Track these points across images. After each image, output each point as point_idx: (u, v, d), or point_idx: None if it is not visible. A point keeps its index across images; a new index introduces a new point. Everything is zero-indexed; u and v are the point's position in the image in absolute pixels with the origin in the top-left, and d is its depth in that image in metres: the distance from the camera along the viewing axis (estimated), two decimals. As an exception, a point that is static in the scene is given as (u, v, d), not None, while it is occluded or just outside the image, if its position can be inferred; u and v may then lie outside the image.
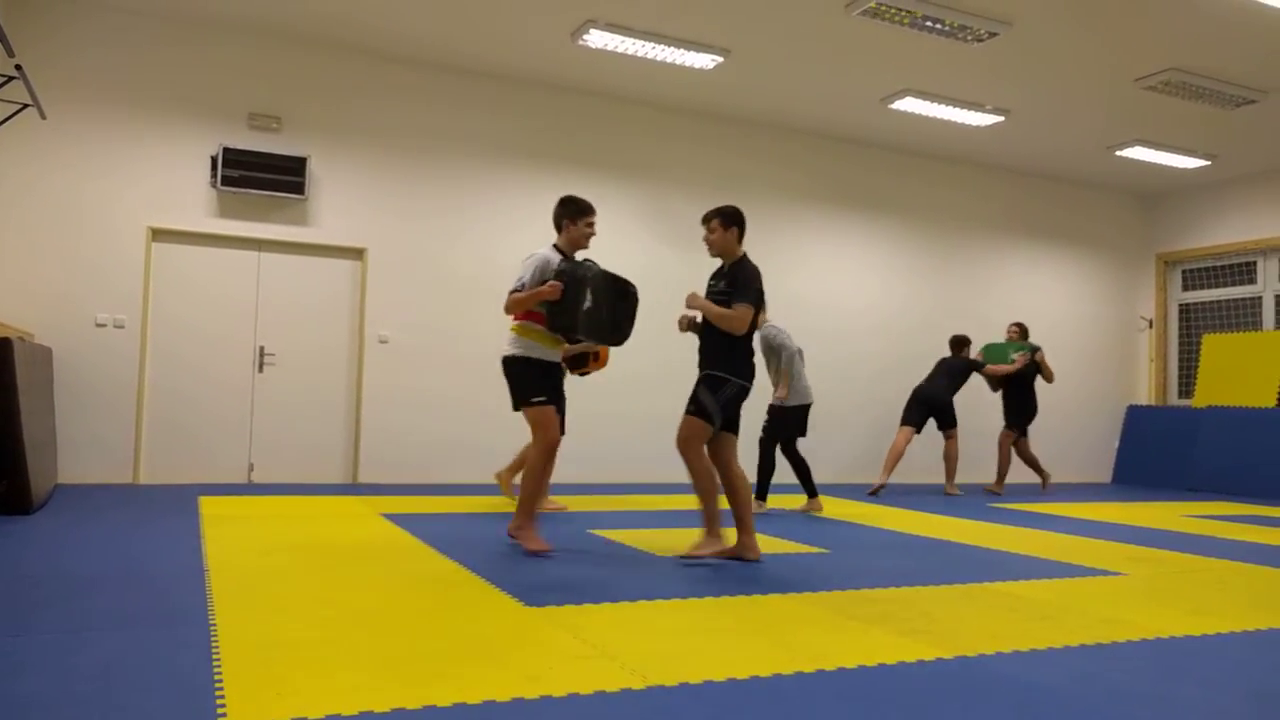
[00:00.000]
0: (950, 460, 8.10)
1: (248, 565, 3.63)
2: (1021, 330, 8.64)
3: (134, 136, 6.64)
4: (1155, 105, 7.84)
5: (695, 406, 4.09)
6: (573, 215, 4.35)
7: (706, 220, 4.33)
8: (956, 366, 8.18)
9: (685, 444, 4.10)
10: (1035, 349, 8.37)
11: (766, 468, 6.17)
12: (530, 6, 6.37)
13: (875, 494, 7.62)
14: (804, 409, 6.22)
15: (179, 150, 6.74)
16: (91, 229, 6.52)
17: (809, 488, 6.29)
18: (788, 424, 6.20)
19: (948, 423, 8.05)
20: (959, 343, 8.31)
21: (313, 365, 7.16)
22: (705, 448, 4.11)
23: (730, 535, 4.16)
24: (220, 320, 6.90)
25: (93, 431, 6.46)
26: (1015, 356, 8.31)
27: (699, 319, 4.26)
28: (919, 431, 8.02)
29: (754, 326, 4.16)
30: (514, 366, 4.20)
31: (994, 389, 8.55)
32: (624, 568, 3.85)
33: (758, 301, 4.14)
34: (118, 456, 6.53)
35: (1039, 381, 8.49)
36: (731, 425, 4.17)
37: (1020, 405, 8.43)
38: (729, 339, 4.11)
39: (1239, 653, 2.79)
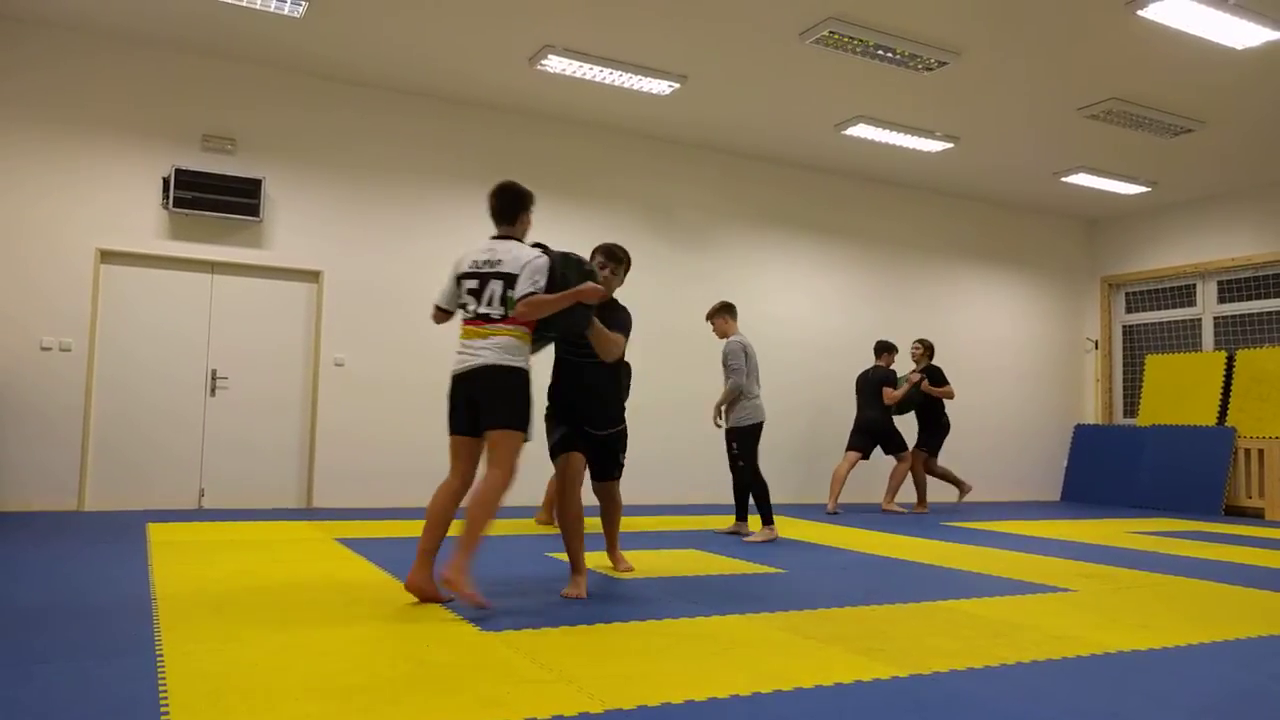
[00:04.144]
0: (894, 479, 8.11)
1: (197, 594, 3.55)
2: (925, 347, 8.40)
3: (83, 156, 6.53)
4: (1098, 133, 8.09)
5: (619, 471, 4.16)
6: (532, 206, 3.81)
7: (613, 260, 4.00)
8: (874, 381, 8.09)
9: (616, 493, 4.28)
10: (917, 381, 8.11)
11: (762, 489, 5.81)
12: (488, 31, 6.40)
13: (833, 514, 7.69)
14: (760, 427, 5.94)
15: (130, 171, 6.64)
16: (38, 250, 6.39)
17: (743, 510, 6.04)
18: (749, 443, 5.90)
19: (896, 447, 8.09)
20: (879, 349, 8.21)
21: (267, 389, 7.06)
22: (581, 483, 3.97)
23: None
24: (171, 343, 6.78)
25: (36, 457, 6.30)
26: (900, 388, 8.10)
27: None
28: (865, 457, 8.08)
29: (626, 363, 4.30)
30: (520, 381, 3.53)
31: (897, 412, 8.30)
32: (582, 591, 3.83)
33: (626, 335, 3.90)
34: (62, 482, 6.37)
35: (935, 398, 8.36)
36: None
37: (932, 425, 8.31)
38: (625, 380, 4.30)
39: (1186, 667, 2.86)
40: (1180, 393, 9.87)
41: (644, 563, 4.65)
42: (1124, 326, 10.99)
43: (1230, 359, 9.57)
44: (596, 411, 3.99)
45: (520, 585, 3.94)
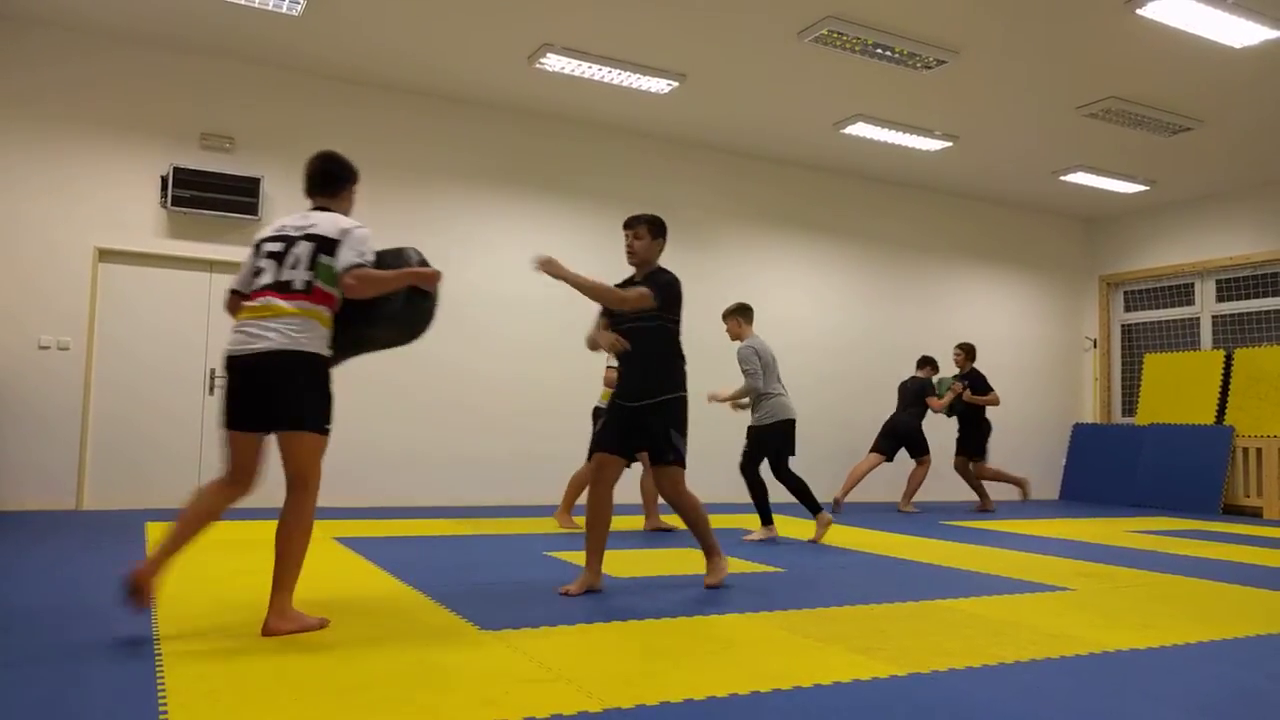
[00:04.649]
0: (913, 480, 8.16)
1: (195, 593, 3.55)
2: (966, 352, 8.55)
3: (81, 154, 6.52)
4: (1096, 132, 8.09)
5: (675, 456, 3.80)
6: (355, 182, 3.29)
7: (632, 226, 3.90)
8: (913, 389, 8.27)
9: (677, 493, 3.85)
10: (960, 391, 8.24)
11: (759, 490, 5.78)
12: (488, 29, 6.39)
13: (835, 509, 7.69)
14: (784, 425, 5.83)
15: (128, 169, 6.63)
16: (35, 249, 6.38)
17: (814, 505, 5.86)
18: (766, 443, 5.82)
19: (919, 450, 8.11)
20: (920, 363, 8.44)
21: (264, 387, 7.04)
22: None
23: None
24: (169, 342, 6.77)
25: (35, 456, 6.29)
26: (945, 393, 8.25)
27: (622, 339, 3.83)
28: (889, 460, 8.10)
29: (673, 329, 3.84)
30: (319, 370, 2.98)
31: (948, 414, 8.51)
32: (581, 590, 3.83)
33: (667, 300, 3.78)
34: (61, 482, 6.36)
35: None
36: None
37: (971, 428, 8.45)
38: (673, 353, 3.83)
39: (1184, 666, 2.86)
40: (1179, 392, 9.87)
41: (643, 562, 4.65)
42: (1122, 325, 10.99)
43: (1228, 358, 9.57)
44: (630, 383, 3.81)
45: (519, 585, 3.93)
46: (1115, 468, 9.99)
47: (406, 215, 7.55)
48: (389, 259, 3.09)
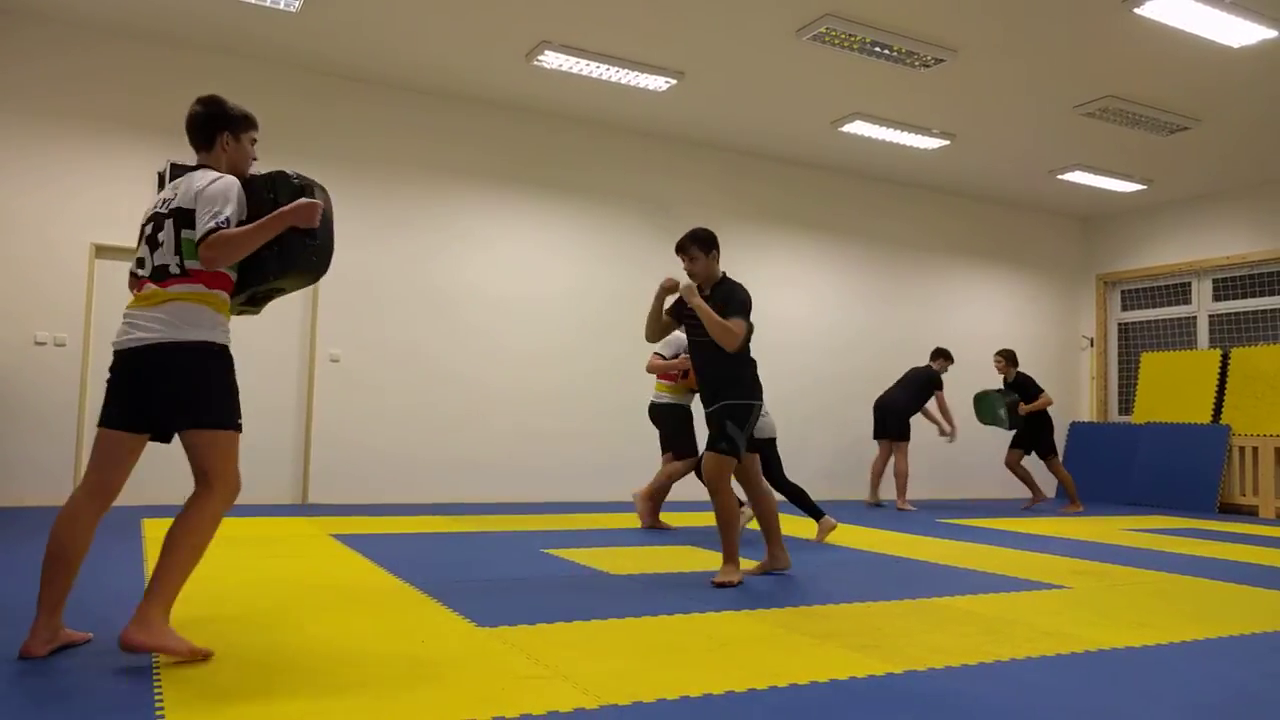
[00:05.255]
0: (900, 476, 8.18)
1: (191, 590, 3.54)
2: (1007, 358, 8.50)
3: (78, 150, 6.50)
4: (1094, 131, 8.10)
5: (727, 445, 3.96)
6: (239, 128, 2.97)
7: (684, 249, 4.09)
8: (917, 378, 8.25)
9: (717, 482, 3.97)
10: (1014, 398, 8.25)
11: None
12: (485, 27, 6.38)
13: (878, 505, 7.69)
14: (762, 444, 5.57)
15: (125, 165, 6.62)
16: (32, 245, 6.36)
17: (811, 511, 5.80)
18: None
19: (900, 434, 8.14)
20: (934, 354, 8.42)
21: (262, 384, 7.04)
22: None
23: (745, 563, 4.36)
24: (165, 338, 6.75)
25: (30, 452, 6.28)
26: (1003, 413, 8.22)
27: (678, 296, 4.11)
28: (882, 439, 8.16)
29: (749, 341, 4.07)
30: (211, 362, 2.65)
31: (1010, 428, 8.42)
32: (577, 587, 3.84)
33: (747, 317, 4.01)
34: (57, 478, 6.35)
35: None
36: (751, 444, 4.22)
37: (1035, 429, 8.36)
38: (739, 361, 4.02)
39: (1179, 664, 2.87)
40: (1175, 390, 9.89)
41: (640, 559, 4.65)
42: (1119, 324, 11.01)
43: (1225, 357, 9.59)
44: (705, 390, 4.10)
45: (516, 582, 3.93)
46: (1112, 466, 10.00)
47: (404, 212, 7.54)
48: (260, 187, 2.71)
